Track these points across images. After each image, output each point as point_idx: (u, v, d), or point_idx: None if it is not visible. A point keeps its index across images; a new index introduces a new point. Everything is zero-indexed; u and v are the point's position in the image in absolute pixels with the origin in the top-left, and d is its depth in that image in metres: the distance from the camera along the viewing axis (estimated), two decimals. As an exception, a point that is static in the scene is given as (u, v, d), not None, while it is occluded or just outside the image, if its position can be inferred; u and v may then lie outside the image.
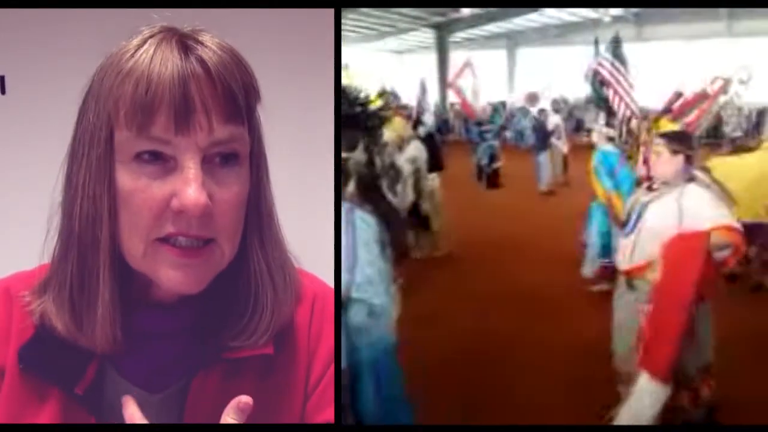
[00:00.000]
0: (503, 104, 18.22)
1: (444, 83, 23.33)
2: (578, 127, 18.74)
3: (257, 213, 1.39)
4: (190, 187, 1.22)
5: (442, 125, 20.87)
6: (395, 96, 15.65)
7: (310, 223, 2.30)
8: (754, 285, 6.19)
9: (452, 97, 20.03)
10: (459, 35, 25.44)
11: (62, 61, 2.36)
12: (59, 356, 1.36)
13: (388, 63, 28.67)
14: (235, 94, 1.28)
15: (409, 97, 12.88)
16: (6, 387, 1.38)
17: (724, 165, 5.86)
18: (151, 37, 1.29)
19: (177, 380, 1.41)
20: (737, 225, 3.26)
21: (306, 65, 2.67)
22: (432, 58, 25.52)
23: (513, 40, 27.54)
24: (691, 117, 6.85)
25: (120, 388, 1.39)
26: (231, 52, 1.32)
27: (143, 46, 1.27)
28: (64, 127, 1.38)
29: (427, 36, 25.83)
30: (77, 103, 1.35)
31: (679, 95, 7.44)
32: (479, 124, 11.14)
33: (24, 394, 1.38)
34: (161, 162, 1.24)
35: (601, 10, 21.21)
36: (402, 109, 10.95)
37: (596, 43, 8.34)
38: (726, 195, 3.44)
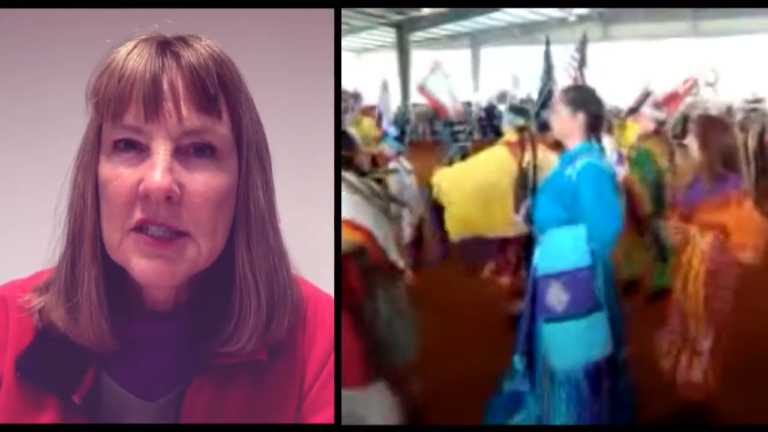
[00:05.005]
0: (469, 104, 18.19)
1: (406, 83, 23.31)
2: (543, 127, 18.80)
3: (245, 215, 1.39)
4: (154, 171, 1.24)
5: (405, 126, 20.81)
6: (357, 96, 15.64)
7: (309, 225, 2.29)
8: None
9: (415, 97, 19.99)
10: (420, 34, 25.35)
11: (64, 67, 2.33)
12: (56, 364, 1.37)
13: (345, 62, 28.53)
14: (206, 85, 1.30)
15: (372, 98, 12.84)
16: (3, 395, 1.37)
17: (448, 178, 5.61)
18: (136, 39, 1.32)
19: (173, 387, 1.42)
20: (349, 218, 2.87)
21: (306, 65, 2.66)
22: (392, 57, 25.43)
23: (476, 40, 27.60)
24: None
25: (117, 396, 1.40)
26: (212, 51, 1.34)
27: (126, 46, 1.31)
28: (61, 136, 1.44)
29: (387, 35, 25.70)
30: (74, 111, 1.37)
31: (647, 95, 7.53)
32: (450, 124, 11.05)
33: (21, 402, 1.37)
34: (136, 151, 1.27)
35: (566, 9, 21.33)
36: (371, 110, 10.93)
37: (547, 42, 8.42)
38: (382, 198, 3.20)
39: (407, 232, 6.34)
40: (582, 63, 7.22)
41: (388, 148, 6.95)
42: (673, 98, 7.16)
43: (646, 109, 6.53)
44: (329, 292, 1.63)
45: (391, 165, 6.61)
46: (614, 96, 10.06)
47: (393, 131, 7.61)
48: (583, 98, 3.14)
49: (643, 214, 5.61)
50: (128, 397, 1.40)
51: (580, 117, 3.07)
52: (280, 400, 1.48)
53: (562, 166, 3.14)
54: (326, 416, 1.49)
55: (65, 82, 1.65)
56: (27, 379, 1.37)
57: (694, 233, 3.58)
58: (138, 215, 1.26)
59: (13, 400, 1.37)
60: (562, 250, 3.04)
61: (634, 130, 8.22)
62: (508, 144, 5.41)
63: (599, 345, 3.03)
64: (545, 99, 7.68)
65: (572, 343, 3.02)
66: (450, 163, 9.96)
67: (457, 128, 10.85)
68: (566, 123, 3.12)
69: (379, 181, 3.29)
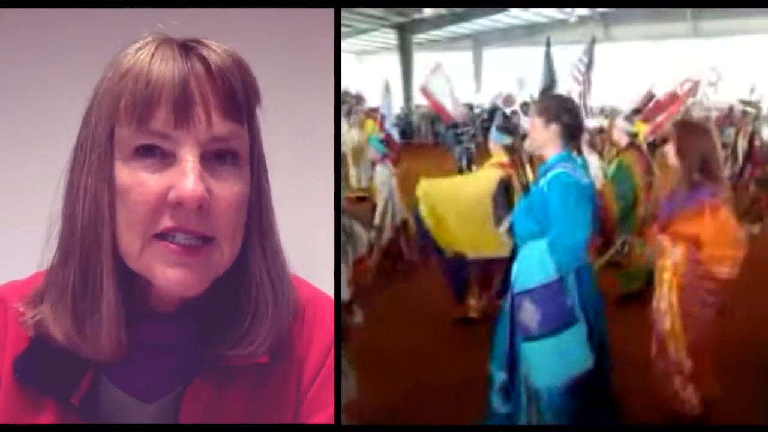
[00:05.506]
0: (470, 106, 18.14)
1: (408, 85, 23.32)
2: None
3: (259, 220, 1.39)
4: (187, 178, 1.22)
5: (407, 128, 20.82)
6: (360, 98, 15.66)
7: (310, 226, 2.30)
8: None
9: (418, 99, 19.96)
10: (422, 36, 25.34)
11: (63, 67, 2.33)
12: (55, 366, 1.35)
13: (347, 64, 28.55)
14: (235, 91, 1.29)
15: (375, 100, 12.82)
16: (1, 397, 1.36)
17: (434, 193, 5.34)
18: (152, 41, 1.29)
19: (172, 389, 1.41)
20: None
21: (306, 65, 2.65)
22: (394, 59, 25.42)
23: (478, 41, 27.56)
24: (660, 118, 6.91)
25: (116, 398, 1.39)
26: (233, 54, 1.32)
27: (144, 48, 1.27)
28: (60, 136, 1.40)
29: (389, 37, 25.69)
30: (74, 111, 1.35)
31: (651, 96, 7.51)
32: (455, 126, 10.98)
33: (20, 404, 1.36)
34: (160, 157, 1.24)
35: (567, 10, 21.31)
36: (374, 112, 10.97)
37: (548, 43, 8.40)
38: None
39: (386, 238, 6.31)
40: (590, 66, 7.21)
41: (373, 151, 6.89)
42: (673, 100, 7.12)
43: (618, 121, 6.33)
44: (329, 293, 1.62)
45: (378, 167, 6.55)
46: (616, 97, 10.08)
47: (395, 133, 7.57)
48: (557, 108, 3.07)
49: (611, 229, 5.53)
50: (127, 399, 1.39)
51: (554, 127, 3.01)
52: (278, 401, 1.48)
53: (538, 178, 3.10)
54: (324, 417, 1.49)
55: (65, 82, 1.65)
56: (25, 381, 1.36)
57: (666, 245, 3.50)
58: (167, 222, 1.24)
59: (11, 402, 1.36)
60: (530, 266, 3.00)
61: (640, 131, 8.24)
62: (501, 165, 5.23)
63: (578, 360, 2.98)
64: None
65: (550, 361, 2.98)
66: (459, 171, 9.98)
67: (460, 130, 10.81)
68: (540, 133, 3.07)
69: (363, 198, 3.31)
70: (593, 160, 6.12)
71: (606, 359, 3.10)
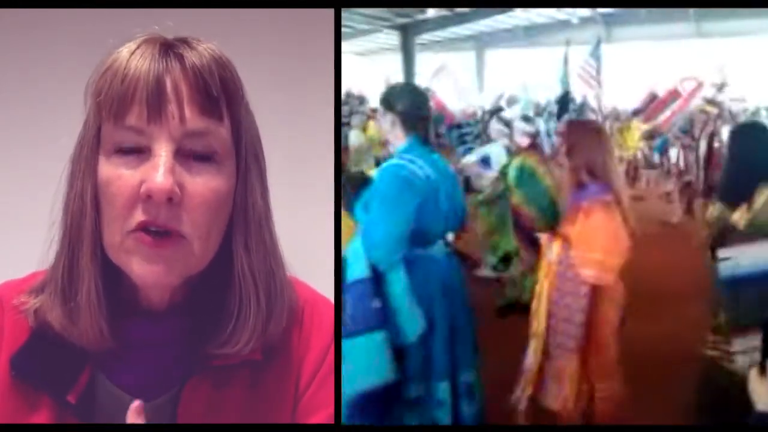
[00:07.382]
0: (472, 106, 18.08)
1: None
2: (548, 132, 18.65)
3: (244, 218, 1.40)
4: (157, 172, 1.25)
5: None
6: (362, 100, 15.64)
7: (309, 228, 2.29)
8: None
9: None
10: (425, 37, 25.27)
11: (63, 67, 2.32)
12: (51, 364, 1.37)
13: (350, 65, 28.48)
14: (209, 87, 1.31)
15: (376, 101, 12.75)
16: None
17: None
18: (138, 40, 1.33)
19: (168, 388, 1.42)
20: None
21: (306, 66, 2.65)
22: (397, 60, 25.35)
23: (481, 42, 27.50)
24: (664, 116, 6.89)
25: (112, 397, 1.40)
26: (214, 52, 1.36)
27: (128, 46, 1.32)
28: (60, 136, 1.42)
29: (391, 38, 25.63)
30: (74, 111, 1.39)
31: (653, 97, 7.50)
32: (458, 126, 10.89)
33: (16, 402, 1.37)
34: (137, 152, 1.28)
35: (569, 11, 21.24)
36: (376, 113, 10.94)
37: (567, 44, 8.39)
38: None
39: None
40: (599, 68, 7.20)
41: None
42: (675, 98, 7.09)
43: (516, 123, 6.07)
44: (328, 293, 1.63)
45: None
46: (618, 98, 10.04)
47: None
48: (394, 96, 3.02)
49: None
50: (124, 398, 1.40)
51: (389, 117, 2.98)
52: (275, 401, 1.49)
53: None
54: (322, 417, 1.50)
55: (65, 82, 1.65)
56: (22, 378, 1.37)
57: (543, 243, 3.39)
58: (139, 217, 1.27)
59: (7, 400, 1.37)
60: (350, 259, 2.87)
61: (638, 132, 8.18)
62: None
63: (379, 370, 2.79)
64: (562, 105, 7.56)
65: (355, 364, 2.75)
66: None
67: (463, 130, 10.76)
68: (381, 124, 3.04)
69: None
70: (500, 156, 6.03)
71: (468, 373, 3.02)
